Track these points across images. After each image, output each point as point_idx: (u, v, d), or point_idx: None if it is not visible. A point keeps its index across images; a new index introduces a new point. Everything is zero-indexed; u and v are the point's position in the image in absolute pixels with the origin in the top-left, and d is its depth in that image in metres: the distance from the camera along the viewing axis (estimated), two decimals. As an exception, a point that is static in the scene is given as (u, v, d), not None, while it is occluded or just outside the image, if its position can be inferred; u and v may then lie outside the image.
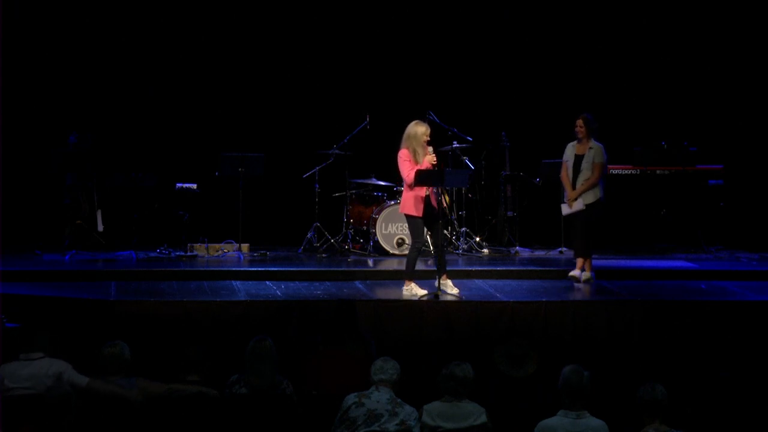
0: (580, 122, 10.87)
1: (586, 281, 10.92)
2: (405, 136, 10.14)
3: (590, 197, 10.81)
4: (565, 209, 11.00)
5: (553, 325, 9.71)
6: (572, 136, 11.20)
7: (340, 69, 14.12)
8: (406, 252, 12.33)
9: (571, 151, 11.00)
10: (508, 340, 8.57)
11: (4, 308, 8.84)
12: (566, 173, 11.03)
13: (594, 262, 12.31)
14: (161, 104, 13.85)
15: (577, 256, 11.08)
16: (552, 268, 11.67)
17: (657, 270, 11.77)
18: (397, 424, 6.72)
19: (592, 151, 10.79)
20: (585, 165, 10.80)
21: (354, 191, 13.01)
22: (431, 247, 12.42)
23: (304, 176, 12.99)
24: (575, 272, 11.00)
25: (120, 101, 13.72)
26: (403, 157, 10.08)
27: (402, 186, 12.69)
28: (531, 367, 7.93)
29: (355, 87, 13.99)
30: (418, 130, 10.09)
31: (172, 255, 12.31)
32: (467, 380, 6.86)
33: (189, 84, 13.88)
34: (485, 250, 12.95)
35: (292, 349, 8.24)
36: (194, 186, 12.74)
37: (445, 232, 12.68)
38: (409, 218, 10.24)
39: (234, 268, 11.48)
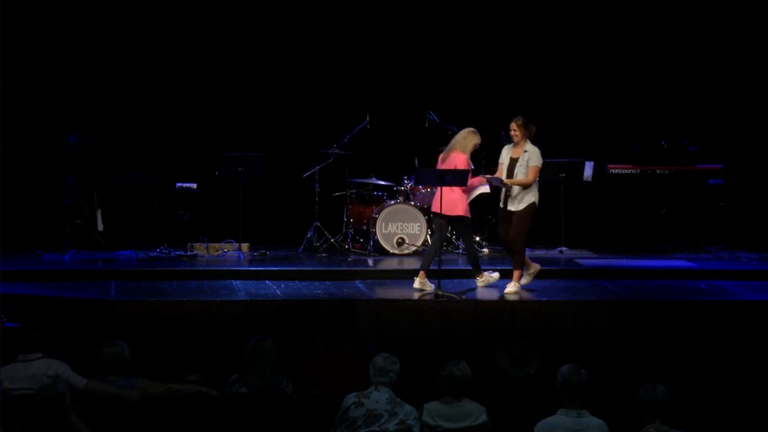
0: (514, 125, 10.39)
1: (516, 291, 10.38)
2: (463, 142, 10.50)
3: (524, 202, 10.33)
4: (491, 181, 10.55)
5: (553, 325, 9.72)
6: (573, 135, 11.22)
7: (340, 69, 14.12)
8: (406, 251, 12.43)
9: (506, 153, 10.52)
10: (509, 340, 8.57)
11: (4, 308, 8.84)
12: (499, 176, 10.53)
13: (594, 261, 12.33)
14: (161, 104, 13.85)
15: (515, 266, 10.51)
16: (552, 268, 11.67)
17: (657, 270, 11.77)
18: (396, 424, 6.73)
19: (527, 154, 10.34)
20: (519, 169, 10.32)
21: (354, 191, 13.02)
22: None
23: (304, 176, 12.99)
24: (513, 286, 10.42)
25: (120, 101, 13.71)
26: (466, 163, 10.44)
27: (400, 186, 12.82)
28: (532, 367, 7.92)
29: (355, 87, 13.99)
30: (477, 140, 10.56)
31: (172, 255, 12.31)
32: (466, 379, 6.87)
33: (189, 84, 13.88)
34: (485, 250, 12.96)
35: (292, 349, 8.23)
36: (194, 186, 12.74)
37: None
38: (466, 219, 10.56)
39: (234, 268, 11.49)
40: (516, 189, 10.35)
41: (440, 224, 10.63)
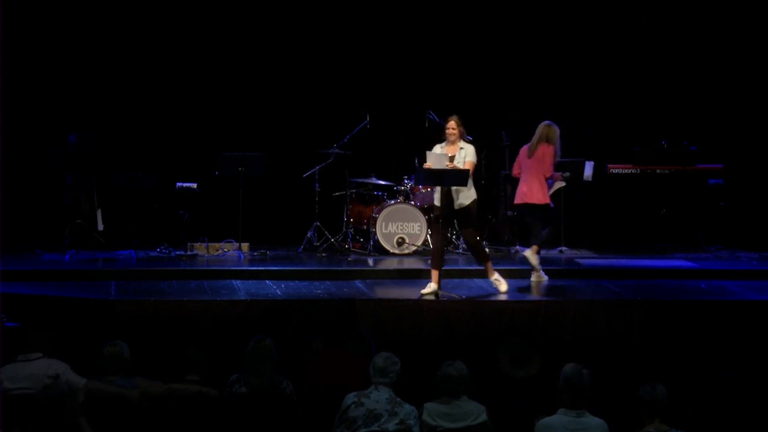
0: (453, 124, 10.39)
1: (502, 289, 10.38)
2: (553, 136, 11.05)
3: (469, 198, 10.29)
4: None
5: (553, 324, 9.70)
6: (573, 135, 11.24)
7: (340, 69, 14.12)
8: (406, 251, 12.43)
9: (440, 152, 10.40)
10: (510, 340, 8.56)
11: (4, 308, 8.83)
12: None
13: (594, 261, 12.32)
14: (161, 104, 13.85)
15: (483, 260, 10.53)
16: (552, 268, 11.66)
17: (657, 270, 11.76)
18: (396, 424, 6.73)
19: (464, 150, 10.33)
20: (457, 166, 10.26)
21: (354, 190, 13.02)
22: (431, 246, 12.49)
23: (304, 176, 13.00)
24: (498, 280, 10.46)
25: (120, 101, 13.71)
26: (554, 155, 11.10)
27: (400, 186, 12.82)
28: (534, 367, 7.92)
29: (355, 86, 13.99)
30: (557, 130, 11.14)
31: (172, 254, 12.31)
32: (463, 378, 6.86)
33: (189, 84, 13.88)
34: (485, 250, 12.92)
35: (292, 349, 8.23)
36: (194, 186, 12.74)
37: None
38: (547, 207, 11.06)
39: (234, 268, 11.49)
40: (456, 188, 10.22)
41: (529, 215, 11.23)
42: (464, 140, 10.44)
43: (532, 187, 11.05)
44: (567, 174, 11.90)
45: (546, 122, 11.22)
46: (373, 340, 8.43)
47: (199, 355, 7.25)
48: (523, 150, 11.28)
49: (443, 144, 10.46)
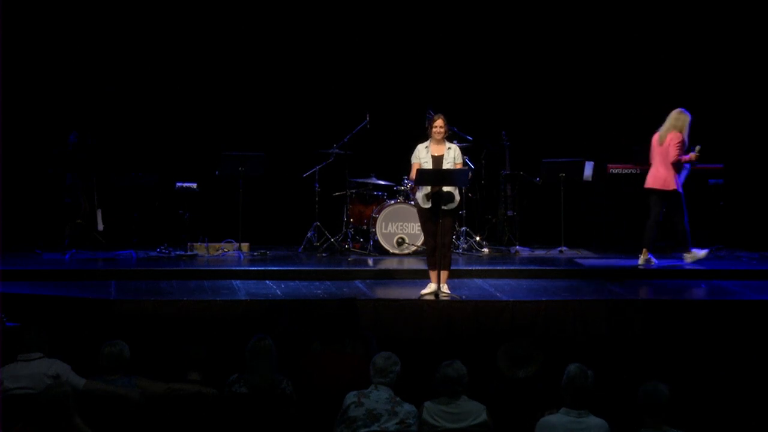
0: (441, 122, 10.20)
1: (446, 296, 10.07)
2: (676, 123, 11.56)
3: (455, 201, 10.15)
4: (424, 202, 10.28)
5: (554, 324, 9.70)
6: (572, 135, 11.26)
7: (339, 68, 14.12)
8: (406, 251, 12.43)
9: (425, 152, 10.26)
10: (512, 340, 8.55)
11: (4, 307, 8.84)
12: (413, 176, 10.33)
13: (594, 261, 12.31)
14: (161, 104, 13.85)
15: (447, 266, 10.25)
16: (552, 268, 11.68)
17: (657, 270, 11.77)
18: (396, 424, 6.72)
19: (452, 151, 10.22)
20: (447, 165, 10.15)
21: (354, 190, 13.02)
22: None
23: (304, 175, 12.99)
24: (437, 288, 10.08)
25: (120, 101, 13.71)
26: (680, 141, 11.56)
27: (400, 186, 12.82)
28: (533, 368, 7.91)
29: (355, 86, 13.99)
30: (689, 118, 11.62)
31: (172, 254, 12.31)
32: (461, 378, 6.84)
33: (189, 84, 13.88)
34: (485, 250, 12.94)
35: (292, 349, 8.23)
36: (194, 185, 12.74)
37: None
38: (678, 194, 11.63)
39: (234, 268, 11.49)
40: (449, 188, 10.10)
41: (654, 200, 11.74)
42: (448, 140, 10.38)
43: (659, 174, 11.61)
44: (699, 147, 11.89)
45: (678, 110, 11.64)
46: (374, 337, 8.42)
47: (200, 355, 7.25)
48: (655, 137, 11.74)
49: (427, 143, 10.32)
